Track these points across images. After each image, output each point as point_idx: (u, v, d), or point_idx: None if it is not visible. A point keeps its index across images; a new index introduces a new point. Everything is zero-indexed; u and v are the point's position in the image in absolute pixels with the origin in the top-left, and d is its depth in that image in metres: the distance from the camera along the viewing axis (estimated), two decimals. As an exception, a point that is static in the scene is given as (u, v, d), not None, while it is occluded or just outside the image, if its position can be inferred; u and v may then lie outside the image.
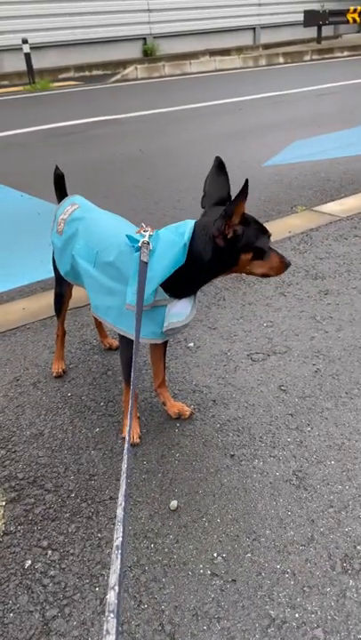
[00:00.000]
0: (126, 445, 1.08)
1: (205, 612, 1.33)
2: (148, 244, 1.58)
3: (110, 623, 0.75)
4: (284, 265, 1.68)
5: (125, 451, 1.07)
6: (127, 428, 1.17)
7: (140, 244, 1.57)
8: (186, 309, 1.67)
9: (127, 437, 1.13)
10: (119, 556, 0.84)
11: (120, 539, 0.87)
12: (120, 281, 1.67)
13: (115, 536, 0.89)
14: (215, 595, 1.37)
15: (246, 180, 1.45)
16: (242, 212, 1.54)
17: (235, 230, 1.55)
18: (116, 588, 0.80)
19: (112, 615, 0.76)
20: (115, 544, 0.87)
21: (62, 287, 2.14)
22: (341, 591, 1.35)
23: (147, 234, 1.61)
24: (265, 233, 1.65)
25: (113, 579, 0.82)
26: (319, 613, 1.31)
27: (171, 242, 1.59)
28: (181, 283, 1.62)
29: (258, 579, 1.40)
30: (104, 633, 0.74)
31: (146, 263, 1.55)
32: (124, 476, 1.01)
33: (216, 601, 1.35)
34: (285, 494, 1.64)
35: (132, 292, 1.56)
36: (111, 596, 0.79)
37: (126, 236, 1.63)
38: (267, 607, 1.33)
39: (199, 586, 1.39)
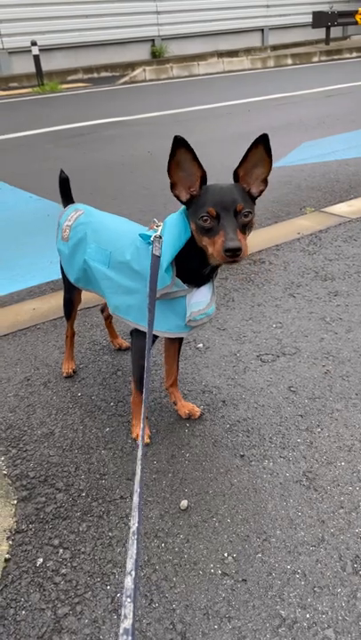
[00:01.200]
0: (140, 432, 1.10)
1: (216, 611, 1.33)
2: (160, 237, 1.59)
3: (128, 608, 0.77)
4: (222, 247, 1.37)
5: (140, 439, 1.09)
6: (142, 416, 1.18)
7: (152, 239, 1.59)
8: (206, 297, 1.68)
9: (142, 424, 1.14)
10: (135, 542, 0.86)
11: (136, 525, 0.89)
12: (138, 279, 1.67)
13: (131, 522, 0.90)
14: (226, 594, 1.37)
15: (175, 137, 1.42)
16: (197, 174, 1.47)
17: (192, 190, 1.49)
18: (133, 573, 0.82)
19: (129, 600, 0.78)
20: (131, 530, 0.89)
21: (72, 293, 2.16)
22: (352, 592, 1.35)
23: (159, 229, 1.62)
24: (214, 206, 1.41)
25: (130, 564, 0.83)
26: (330, 614, 1.31)
27: (174, 218, 1.60)
28: (191, 261, 1.59)
29: (268, 579, 1.40)
30: (122, 617, 0.76)
31: (158, 257, 1.56)
32: (139, 462, 1.03)
33: (227, 600, 1.36)
34: (296, 495, 1.64)
35: None
36: (128, 581, 0.81)
37: (139, 235, 1.64)
38: (277, 607, 1.33)
39: (210, 585, 1.40)
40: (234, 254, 1.37)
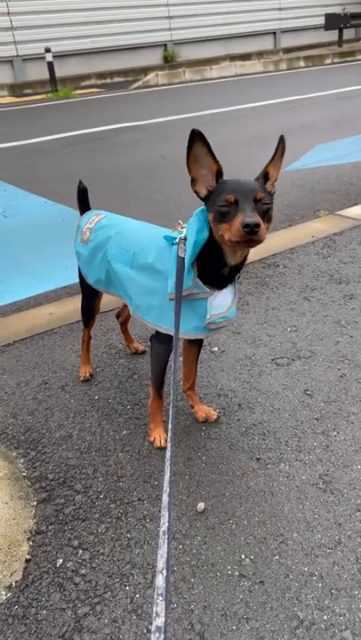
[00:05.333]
0: (170, 434, 1.12)
1: (234, 612, 1.35)
2: (185, 239, 1.60)
3: (160, 606, 0.78)
4: (240, 224, 1.36)
5: (169, 439, 1.11)
6: (170, 416, 1.20)
7: (177, 240, 1.61)
8: (226, 300, 1.69)
9: (170, 426, 1.16)
10: (166, 541, 0.87)
11: (166, 524, 0.90)
12: (160, 279, 1.69)
13: (161, 522, 0.92)
14: (244, 596, 1.38)
15: (192, 130, 1.44)
16: (213, 168, 1.49)
17: (209, 186, 1.51)
18: (164, 572, 0.83)
19: (161, 598, 0.79)
20: (161, 530, 0.91)
21: (91, 301, 2.18)
22: (370, 594, 1.36)
23: (184, 230, 1.64)
24: (232, 192, 1.42)
25: (160, 563, 0.85)
26: (348, 615, 1.31)
27: (193, 220, 1.61)
28: (209, 262, 1.59)
29: (286, 581, 1.41)
30: (154, 615, 0.77)
31: (183, 258, 1.58)
32: (167, 463, 1.04)
33: (245, 602, 1.37)
34: (312, 498, 1.65)
35: (173, 283, 1.60)
36: (159, 580, 0.82)
37: (164, 237, 1.67)
38: (295, 609, 1.34)
39: (228, 587, 1.41)
40: (252, 230, 1.34)
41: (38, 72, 13.42)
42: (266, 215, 1.45)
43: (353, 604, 1.34)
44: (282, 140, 1.52)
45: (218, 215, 1.45)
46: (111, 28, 14.54)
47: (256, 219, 1.36)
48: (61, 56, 13.71)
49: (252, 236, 1.36)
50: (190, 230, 1.58)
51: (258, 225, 1.35)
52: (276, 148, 1.52)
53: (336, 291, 2.90)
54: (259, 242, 1.39)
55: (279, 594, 1.38)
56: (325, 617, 1.32)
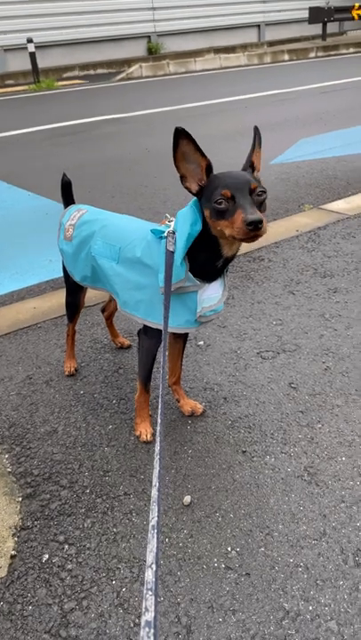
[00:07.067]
0: (158, 428, 1.12)
1: (221, 604, 1.35)
2: (174, 233, 1.59)
3: (149, 601, 0.78)
4: (243, 222, 1.36)
5: (157, 434, 1.11)
6: (159, 409, 1.19)
7: (165, 234, 1.60)
8: (217, 293, 1.68)
9: (159, 420, 1.16)
10: (155, 536, 0.87)
11: (155, 518, 0.90)
12: (149, 274, 1.67)
13: (150, 516, 0.92)
14: (230, 588, 1.39)
15: (176, 128, 1.44)
16: (201, 163, 1.48)
17: (199, 180, 1.51)
18: (154, 566, 0.83)
19: (150, 593, 0.79)
20: (150, 524, 0.90)
21: (75, 297, 2.16)
22: (354, 584, 1.38)
23: (171, 224, 1.63)
24: (227, 188, 1.41)
25: (150, 557, 0.85)
26: (333, 606, 1.33)
27: (185, 212, 1.59)
28: (203, 254, 1.59)
29: (271, 572, 1.42)
30: (143, 610, 0.77)
31: (172, 252, 1.57)
32: (157, 457, 1.04)
33: (231, 594, 1.38)
34: (297, 490, 1.66)
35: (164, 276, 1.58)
36: (149, 575, 0.82)
37: (151, 230, 1.65)
38: (281, 600, 1.35)
39: (214, 579, 1.42)
40: (256, 227, 1.34)
41: (20, 63, 13.24)
42: (262, 206, 1.45)
43: (338, 594, 1.36)
44: (257, 131, 1.54)
45: (215, 212, 1.44)
46: (94, 18, 14.38)
47: (258, 214, 1.35)
48: (44, 47, 13.53)
49: (256, 232, 1.36)
50: (183, 222, 1.56)
51: (261, 221, 1.35)
52: (254, 138, 1.54)
53: (320, 284, 2.92)
54: (261, 235, 1.39)
55: (265, 585, 1.39)
56: (311, 607, 1.33)
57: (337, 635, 1.27)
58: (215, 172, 1.52)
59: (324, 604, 1.34)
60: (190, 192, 1.53)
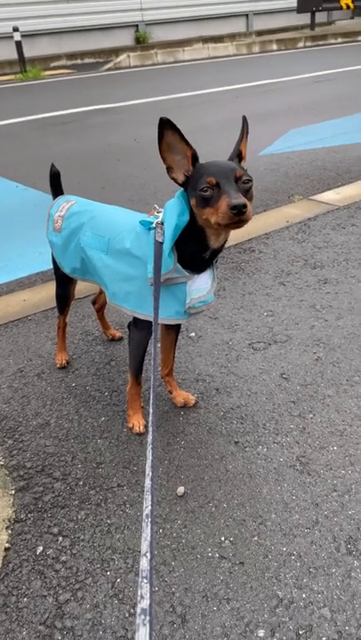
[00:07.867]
0: (151, 418, 1.12)
1: (215, 593, 1.37)
2: (162, 224, 1.58)
3: (144, 588, 0.79)
4: (227, 207, 1.35)
5: (150, 423, 1.11)
6: (151, 400, 1.20)
7: (154, 225, 1.59)
8: (206, 284, 1.68)
9: (151, 410, 1.16)
10: (149, 524, 0.88)
11: (149, 507, 0.91)
12: (138, 266, 1.66)
13: (144, 505, 0.93)
14: (224, 577, 1.40)
15: (160, 119, 1.44)
16: (186, 151, 1.48)
17: (185, 171, 1.51)
18: (148, 554, 0.84)
19: (145, 581, 0.80)
20: (144, 513, 0.91)
21: (65, 289, 2.15)
22: (347, 572, 1.39)
23: (160, 215, 1.62)
24: (212, 175, 1.41)
25: (144, 546, 0.85)
26: (325, 593, 1.35)
27: (172, 203, 1.59)
28: (191, 245, 1.59)
29: (265, 561, 1.44)
30: (138, 598, 0.78)
31: (161, 243, 1.57)
32: (149, 447, 1.05)
33: (225, 583, 1.39)
34: (290, 479, 1.68)
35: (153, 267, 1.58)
36: (144, 563, 0.83)
37: (140, 221, 1.64)
38: (274, 588, 1.37)
39: (208, 568, 1.43)
40: (240, 211, 1.34)
41: (6, 52, 13.03)
42: (248, 193, 1.45)
43: (330, 581, 1.37)
44: (245, 121, 1.56)
45: (201, 200, 1.43)
46: (82, 6, 14.18)
47: (242, 199, 1.36)
48: (30, 35, 13.33)
49: (240, 216, 1.36)
50: (170, 213, 1.56)
51: (245, 205, 1.35)
52: (242, 128, 1.55)
53: (311, 275, 2.93)
54: (246, 221, 1.39)
55: (259, 574, 1.41)
56: (304, 595, 1.35)
57: (330, 621, 1.28)
58: (205, 161, 1.51)
59: (317, 591, 1.35)
60: (177, 183, 1.53)
